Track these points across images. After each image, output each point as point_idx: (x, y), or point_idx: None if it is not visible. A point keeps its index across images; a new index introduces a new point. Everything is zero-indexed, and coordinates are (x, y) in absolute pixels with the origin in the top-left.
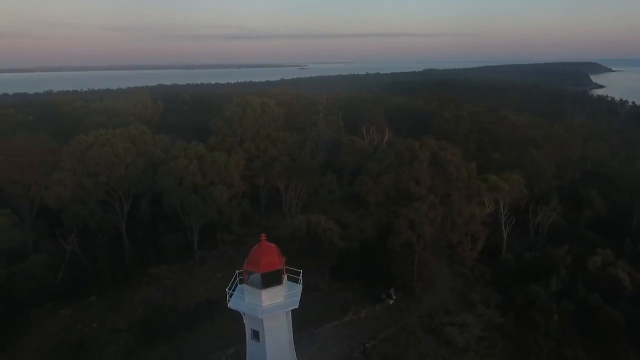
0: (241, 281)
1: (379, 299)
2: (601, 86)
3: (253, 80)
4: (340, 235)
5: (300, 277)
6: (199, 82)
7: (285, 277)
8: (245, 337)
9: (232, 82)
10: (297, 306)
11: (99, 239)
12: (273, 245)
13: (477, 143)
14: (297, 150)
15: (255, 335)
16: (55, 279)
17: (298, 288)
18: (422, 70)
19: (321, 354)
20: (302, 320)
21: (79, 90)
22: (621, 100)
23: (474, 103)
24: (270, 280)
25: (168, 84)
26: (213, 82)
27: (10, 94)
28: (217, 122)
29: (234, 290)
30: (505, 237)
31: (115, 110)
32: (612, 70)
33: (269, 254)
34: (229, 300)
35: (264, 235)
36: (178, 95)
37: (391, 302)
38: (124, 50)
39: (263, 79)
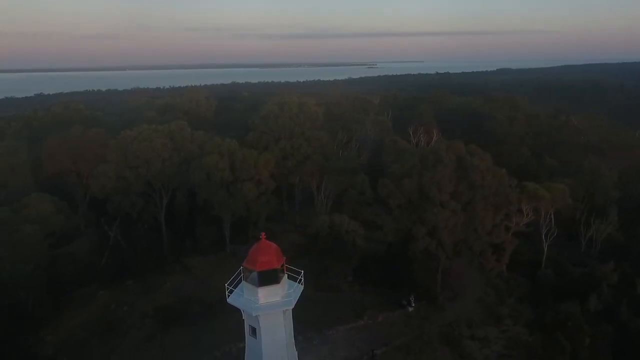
0: (245, 278)
1: (398, 304)
2: None
3: (321, 79)
4: (365, 237)
5: (301, 277)
6: (270, 81)
7: (285, 276)
8: (244, 333)
9: (302, 80)
10: (292, 306)
11: (140, 228)
12: (273, 244)
13: (532, 147)
14: (333, 149)
15: (253, 331)
16: (100, 264)
17: (297, 288)
18: (495, 69)
19: (330, 356)
20: (316, 319)
21: (161, 87)
22: None
23: (544, 104)
24: (267, 278)
25: (241, 82)
26: (283, 80)
27: (104, 90)
28: (255, 120)
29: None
30: (545, 249)
31: (171, 107)
32: None
33: (266, 253)
34: (228, 296)
35: (263, 233)
36: (237, 93)
37: (410, 309)
38: (203, 49)
39: (331, 78)
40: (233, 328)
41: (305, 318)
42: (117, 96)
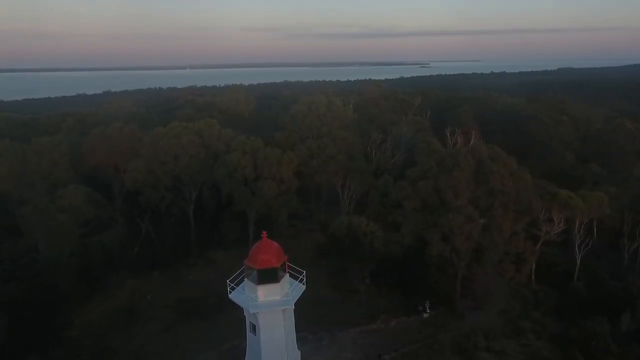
0: (247, 275)
1: (414, 310)
2: None
3: (373, 78)
4: (385, 240)
5: (302, 277)
6: (321, 80)
7: (286, 275)
8: (245, 329)
9: (352, 79)
10: (290, 306)
11: (169, 221)
12: (275, 243)
13: (578, 152)
14: (362, 149)
15: (253, 328)
16: (131, 254)
17: (298, 288)
18: (555, 69)
19: (336, 357)
20: (328, 319)
21: (217, 85)
22: None
23: (603, 106)
24: (266, 277)
25: (292, 80)
26: (334, 79)
27: (165, 88)
28: (284, 119)
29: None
30: (578, 261)
31: (211, 105)
32: None
33: (266, 252)
34: (229, 292)
35: (264, 232)
36: (280, 91)
37: (426, 315)
38: (260, 49)
39: (382, 77)
40: (244, 324)
41: (318, 317)
42: (174, 93)
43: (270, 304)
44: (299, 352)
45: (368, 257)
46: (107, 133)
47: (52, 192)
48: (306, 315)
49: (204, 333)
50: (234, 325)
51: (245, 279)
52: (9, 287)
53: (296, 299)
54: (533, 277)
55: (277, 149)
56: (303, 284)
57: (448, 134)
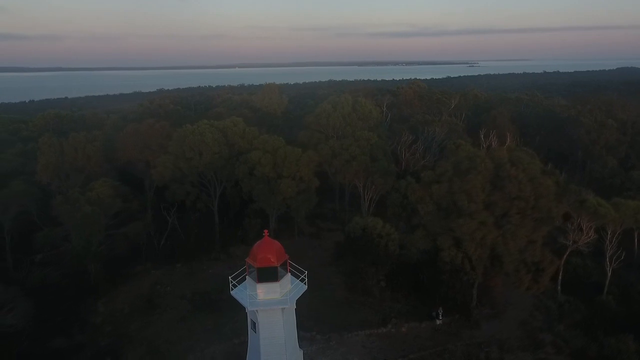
0: (249, 273)
1: (427, 316)
2: None
3: (418, 78)
4: (401, 243)
5: (303, 277)
6: (365, 79)
7: (287, 275)
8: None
9: (397, 78)
10: (288, 305)
11: (194, 216)
12: (276, 242)
13: (624, 157)
14: (387, 150)
15: (253, 326)
16: (158, 246)
17: (299, 288)
18: (615, 68)
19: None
20: (339, 321)
21: (263, 84)
22: None
23: None
24: (265, 275)
25: (337, 79)
26: (379, 78)
27: (214, 86)
28: (308, 118)
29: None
30: (609, 273)
31: (245, 104)
32: None
33: (266, 250)
34: (231, 289)
35: (266, 231)
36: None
37: (438, 322)
38: (307, 48)
39: (428, 77)
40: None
41: (329, 318)
42: (214, 92)
43: (268, 302)
44: (301, 351)
45: (383, 260)
46: (139, 129)
47: (86, 184)
48: (317, 315)
49: (216, 326)
50: (245, 321)
51: (246, 277)
52: (43, 273)
53: (295, 299)
54: (559, 288)
55: (298, 148)
56: (305, 284)
57: (482, 136)
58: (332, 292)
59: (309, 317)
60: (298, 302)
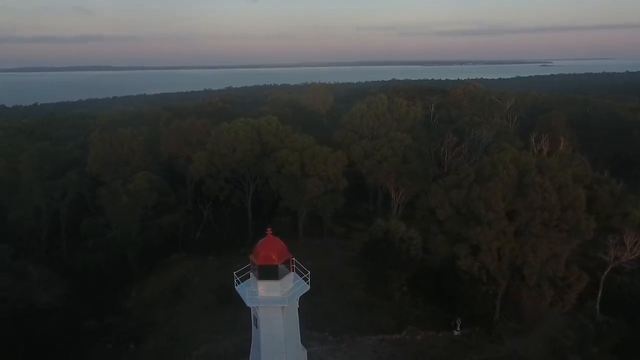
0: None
1: (446, 325)
2: None
3: (484, 77)
4: (424, 248)
5: (306, 277)
6: (429, 78)
7: (290, 274)
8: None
9: (462, 78)
10: (286, 304)
11: (226, 211)
12: (278, 241)
13: None
14: (424, 151)
15: (255, 322)
16: (194, 238)
17: (300, 288)
18: None
19: None
20: (353, 323)
21: (328, 82)
22: None
23: None
24: (266, 273)
25: (401, 79)
26: (443, 78)
27: (279, 84)
28: (343, 118)
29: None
30: None
31: (292, 103)
32: None
33: (268, 248)
34: (236, 283)
35: (269, 229)
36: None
37: (456, 333)
38: (373, 47)
39: (496, 77)
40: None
41: (344, 319)
42: (267, 91)
43: (268, 300)
44: (305, 351)
45: (404, 264)
46: (181, 126)
47: (130, 176)
48: (332, 316)
49: (235, 319)
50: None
51: (250, 273)
52: (87, 257)
53: (295, 299)
54: (597, 307)
55: (327, 148)
56: (308, 284)
57: (533, 140)
58: (352, 293)
59: (324, 317)
60: (313, 301)
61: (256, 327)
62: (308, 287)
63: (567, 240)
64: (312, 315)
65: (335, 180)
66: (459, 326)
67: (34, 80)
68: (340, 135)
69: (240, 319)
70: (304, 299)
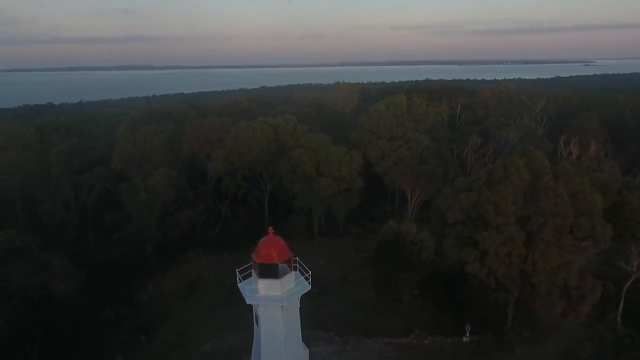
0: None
1: (455, 331)
2: None
3: (522, 77)
4: (435, 251)
5: (307, 276)
6: (464, 78)
7: (291, 273)
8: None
9: (499, 78)
10: (285, 303)
11: (243, 209)
12: (280, 240)
13: None
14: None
15: (256, 320)
16: (212, 234)
17: (300, 288)
18: None
19: None
20: (360, 324)
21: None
22: None
23: None
24: (266, 271)
25: (435, 78)
26: (479, 78)
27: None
28: (362, 118)
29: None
30: None
31: (314, 101)
32: None
33: (269, 247)
34: (239, 280)
35: (271, 228)
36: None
37: (465, 339)
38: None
39: (534, 76)
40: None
41: (351, 320)
42: (291, 90)
43: (266, 299)
44: (307, 351)
45: (415, 267)
46: (202, 124)
47: (150, 173)
48: (340, 316)
49: (243, 316)
50: None
51: (252, 271)
52: (110, 251)
53: (294, 298)
54: (619, 319)
55: (341, 148)
56: (309, 284)
57: (561, 143)
58: (361, 294)
59: (332, 317)
60: (322, 301)
61: (257, 325)
62: (309, 287)
63: (581, 248)
64: (320, 314)
65: (350, 180)
66: (468, 332)
67: (80, 79)
68: (357, 135)
69: (247, 316)
70: (312, 298)
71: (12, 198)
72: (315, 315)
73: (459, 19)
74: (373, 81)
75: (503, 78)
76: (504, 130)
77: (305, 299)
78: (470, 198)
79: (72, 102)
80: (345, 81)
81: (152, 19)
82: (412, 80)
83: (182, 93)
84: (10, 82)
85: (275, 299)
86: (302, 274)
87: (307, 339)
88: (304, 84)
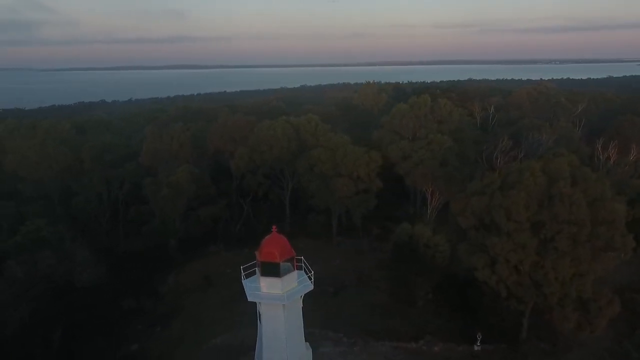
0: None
1: (469, 338)
2: None
3: (571, 77)
4: (451, 255)
5: (310, 275)
6: (509, 78)
7: (293, 272)
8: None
9: (545, 78)
10: (285, 302)
11: (264, 206)
12: (283, 238)
13: None
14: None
15: (259, 317)
16: (234, 230)
17: (302, 287)
18: None
19: None
20: (369, 326)
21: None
22: None
23: None
24: (268, 270)
25: (478, 78)
26: (524, 78)
27: (352, 83)
28: (384, 118)
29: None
30: None
31: (344, 101)
32: None
33: (271, 245)
34: (243, 278)
35: (274, 226)
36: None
37: (476, 348)
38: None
39: (584, 76)
40: None
41: (361, 322)
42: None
43: (267, 297)
44: (310, 350)
45: (430, 271)
46: (226, 122)
47: (175, 169)
48: (351, 317)
49: (256, 312)
50: None
51: (256, 269)
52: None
53: (294, 298)
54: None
55: (360, 148)
56: (312, 284)
57: (599, 147)
58: (375, 296)
59: (342, 317)
60: (334, 301)
61: (260, 322)
62: (311, 287)
63: (600, 259)
64: (331, 314)
65: (368, 180)
66: (479, 341)
67: (132, 78)
68: (379, 135)
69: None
70: (325, 298)
71: (50, 191)
72: (326, 315)
73: (505, 17)
74: (414, 80)
75: (550, 78)
76: (537, 132)
77: (318, 298)
78: (482, 202)
79: (122, 100)
80: (384, 81)
81: (199, 20)
82: (452, 80)
83: (225, 91)
84: (68, 80)
85: (276, 298)
86: (307, 273)
87: (315, 339)
88: (342, 83)
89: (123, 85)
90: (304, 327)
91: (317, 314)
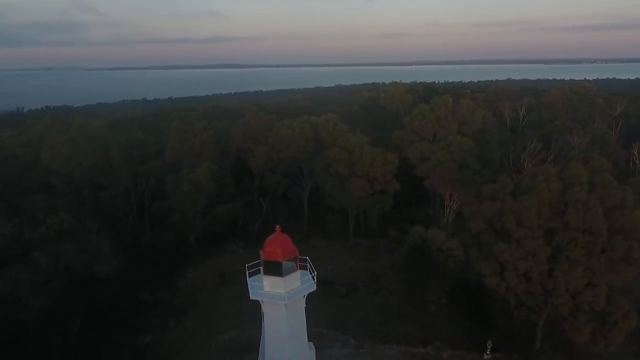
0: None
1: (480, 346)
2: None
3: (617, 77)
4: (462, 261)
5: (313, 276)
6: (550, 78)
7: (296, 272)
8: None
9: (590, 78)
10: (285, 301)
11: (282, 205)
12: (286, 238)
13: None
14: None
15: (263, 316)
16: (253, 227)
17: (304, 287)
18: None
19: None
20: (378, 329)
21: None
22: None
23: None
24: (270, 269)
25: (517, 78)
26: (567, 78)
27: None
28: (405, 119)
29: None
30: None
31: (371, 101)
32: None
33: (274, 244)
34: (248, 276)
35: (278, 226)
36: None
37: (486, 356)
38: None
39: (632, 76)
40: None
41: (370, 324)
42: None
43: (268, 296)
44: (313, 350)
45: (442, 276)
46: (248, 121)
47: (196, 167)
48: (361, 319)
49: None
50: None
51: (260, 268)
52: (155, 237)
53: (295, 297)
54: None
55: (377, 149)
56: (314, 284)
57: (635, 151)
58: (387, 299)
59: (353, 319)
60: (345, 302)
61: (263, 321)
62: (314, 288)
63: (617, 270)
64: (341, 315)
65: (384, 182)
66: (489, 349)
67: (174, 77)
68: (399, 136)
69: None
70: (336, 299)
71: (80, 185)
72: (336, 316)
73: (547, 15)
74: (450, 80)
75: (595, 77)
76: (569, 135)
77: (329, 298)
78: (493, 207)
79: (163, 98)
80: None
81: (239, 20)
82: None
83: (261, 90)
84: (114, 79)
85: (277, 297)
86: (311, 273)
87: (322, 339)
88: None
89: (166, 84)
90: (310, 327)
91: (326, 314)
